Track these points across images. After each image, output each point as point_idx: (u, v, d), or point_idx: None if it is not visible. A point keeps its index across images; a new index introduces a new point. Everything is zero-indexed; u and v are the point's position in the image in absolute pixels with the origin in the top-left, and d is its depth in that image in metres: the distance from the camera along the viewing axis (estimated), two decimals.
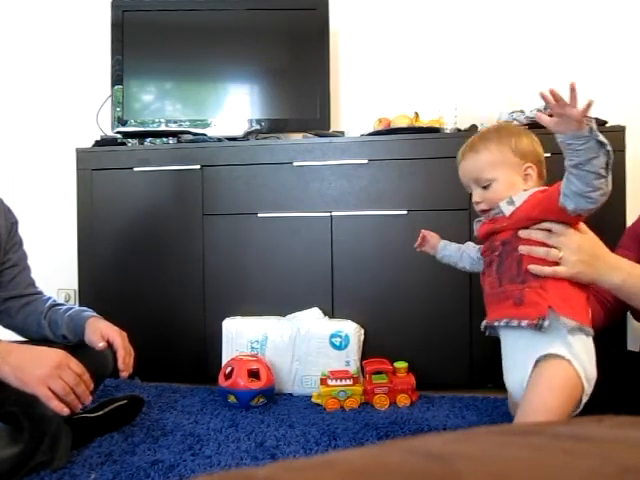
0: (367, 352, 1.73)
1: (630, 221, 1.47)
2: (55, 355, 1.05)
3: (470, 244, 1.30)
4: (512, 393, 1.11)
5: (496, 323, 1.06)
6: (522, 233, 1.02)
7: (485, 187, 1.11)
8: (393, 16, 2.19)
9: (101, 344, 1.25)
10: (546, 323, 0.97)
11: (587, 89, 2.14)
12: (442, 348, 1.74)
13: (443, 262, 1.32)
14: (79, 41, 2.33)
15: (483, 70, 2.12)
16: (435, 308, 1.73)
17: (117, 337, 1.27)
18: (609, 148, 0.92)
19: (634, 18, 2.07)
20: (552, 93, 0.99)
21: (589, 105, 0.94)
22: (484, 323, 1.11)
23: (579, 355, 0.98)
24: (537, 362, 0.99)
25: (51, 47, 2.35)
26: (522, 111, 1.73)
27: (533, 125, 1.68)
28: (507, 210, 1.06)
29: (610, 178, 0.94)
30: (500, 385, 1.61)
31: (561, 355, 0.97)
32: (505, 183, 1.08)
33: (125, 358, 1.26)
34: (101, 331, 1.27)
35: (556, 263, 1.00)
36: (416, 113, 1.89)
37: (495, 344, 1.69)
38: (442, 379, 1.73)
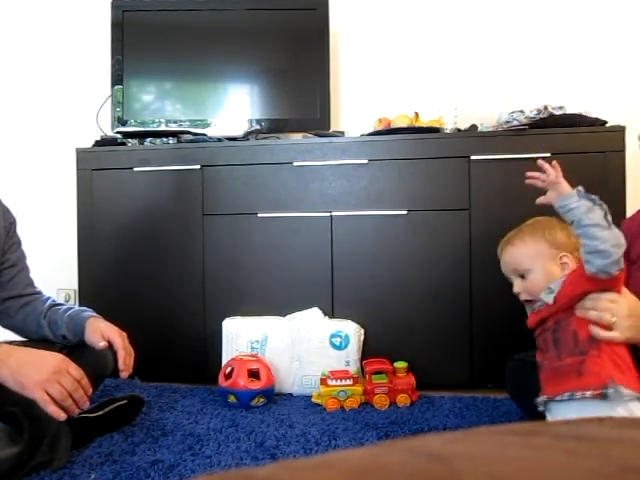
0: (367, 352, 1.73)
1: None
2: (54, 360, 1.05)
3: None
4: None
5: (558, 398, 1.06)
6: (579, 312, 1.06)
7: (523, 277, 1.18)
8: (393, 16, 2.19)
9: (101, 344, 1.25)
10: (610, 391, 0.98)
11: (587, 89, 2.15)
12: (442, 348, 1.74)
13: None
14: (79, 41, 2.33)
15: (483, 70, 2.12)
16: (435, 308, 1.73)
17: (117, 337, 1.27)
18: (600, 202, 1.01)
19: (634, 18, 2.07)
20: (530, 176, 1.14)
21: (556, 167, 1.11)
22: (543, 399, 1.09)
23: None
24: None
25: (51, 47, 2.35)
26: (522, 111, 1.73)
27: (533, 125, 1.69)
28: (549, 299, 1.10)
29: (615, 230, 1.00)
30: (500, 385, 1.61)
31: None
32: (542, 273, 1.15)
33: (125, 359, 1.26)
34: (101, 331, 1.27)
35: (608, 329, 1.04)
36: (416, 113, 1.89)
37: (495, 344, 1.69)
38: (442, 379, 1.73)
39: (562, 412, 1.06)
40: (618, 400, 0.99)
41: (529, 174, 1.15)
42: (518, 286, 1.19)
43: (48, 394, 1.01)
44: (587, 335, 1.04)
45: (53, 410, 1.02)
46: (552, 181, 1.10)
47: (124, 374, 1.25)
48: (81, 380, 1.07)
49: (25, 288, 1.37)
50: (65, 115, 2.34)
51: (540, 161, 1.13)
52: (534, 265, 1.16)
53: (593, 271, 1.01)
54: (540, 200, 1.13)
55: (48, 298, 1.39)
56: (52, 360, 1.05)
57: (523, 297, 1.19)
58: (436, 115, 1.87)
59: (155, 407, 1.57)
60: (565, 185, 1.08)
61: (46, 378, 1.02)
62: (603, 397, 0.98)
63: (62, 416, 1.03)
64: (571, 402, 1.04)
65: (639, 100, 2.04)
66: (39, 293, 1.41)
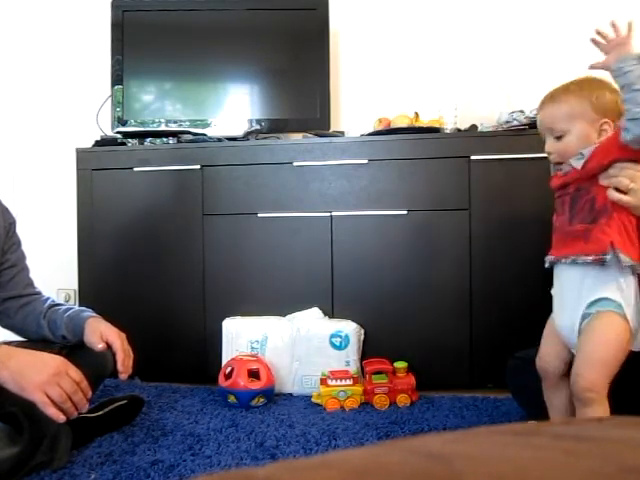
0: (367, 352, 1.73)
1: None
2: (54, 362, 1.05)
3: None
4: (560, 333, 1.14)
5: (563, 260, 1.10)
6: (602, 181, 1.04)
7: (558, 138, 1.12)
8: (393, 16, 2.19)
9: (100, 346, 1.25)
10: (608, 257, 1.01)
11: None
12: (442, 348, 1.74)
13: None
14: (79, 41, 2.33)
15: (483, 70, 2.12)
16: (435, 308, 1.73)
17: (116, 339, 1.27)
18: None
19: (633, 19, 2.06)
20: (599, 33, 1.10)
21: (630, 27, 1.08)
22: (550, 258, 1.13)
23: (630, 300, 1.04)
24: (590, 307, 1.04)
25: (51, 47, 2.35)
26: (522, 111, 1.73)
27: (533, 125, 1.69)
28: (578, 164, 1.08)
29: None
30: (500, 385, 1.61)
31: (613, 300, 1.02)
32: (579, 136, 1.09)
33: (124, 360, 1.25)
34: (100, 332, 1.27)
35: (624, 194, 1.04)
36: (416, 113, 1.89)
37: (495, 344, 1.69)
38: (442, 379, 1.73)
39: (565, 274, 1.11)
40: (617, 267, 1.02)
41: (598, 30, 1.09)
42: (551, 146, 1.13)
43: (48, 396, 1.01)
44: (603, 203, 1.05)
45: (52, 412, 1.02)
46: (619, 41, 1.05)
47: (123, 376, 1.25)
48: (80, 383, 1.07)
49: (25, 288, 1.37)
50: (65, 115, 2.34)
51: (612, 20, 1.08)
52: (572, 127, 1.09)
53: (629, 139, 0.98)
54: (594, 64, 1.08)
55: (48, 298, 1.39)
56: (52, 362, 1.05)
57: (553, 158, 1.15)
58: (436, 115, 1.87)
59: (155, 407, 1.57)
60: (630, 47, 1.04)
61: (46, 380, 1.02)
62: (602, 262, 1.02)
63: (61, 418, 1.03)
64: (574, 266, 1.08)
65: None
66: (39, 293, 1.41)
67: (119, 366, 1.25)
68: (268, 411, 1.54)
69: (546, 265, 1.15)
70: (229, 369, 1.62)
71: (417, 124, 1.84)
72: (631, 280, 1.05)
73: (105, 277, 1.88)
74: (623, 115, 1.01)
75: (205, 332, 1.82)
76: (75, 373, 1.07)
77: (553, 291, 1.17)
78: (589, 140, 1.08)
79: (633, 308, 1.04)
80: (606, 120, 1.08)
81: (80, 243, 1.88)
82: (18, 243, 1.39)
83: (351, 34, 2.21)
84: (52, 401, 1.02)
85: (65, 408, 1.04)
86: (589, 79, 1.15)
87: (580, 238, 1.07)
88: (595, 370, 1.01)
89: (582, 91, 1.11)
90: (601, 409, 1.00)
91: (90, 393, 1.10)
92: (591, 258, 1.03)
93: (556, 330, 1.15)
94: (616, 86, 1.07)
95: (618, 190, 1.03)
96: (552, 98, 1.15)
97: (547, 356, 1.17)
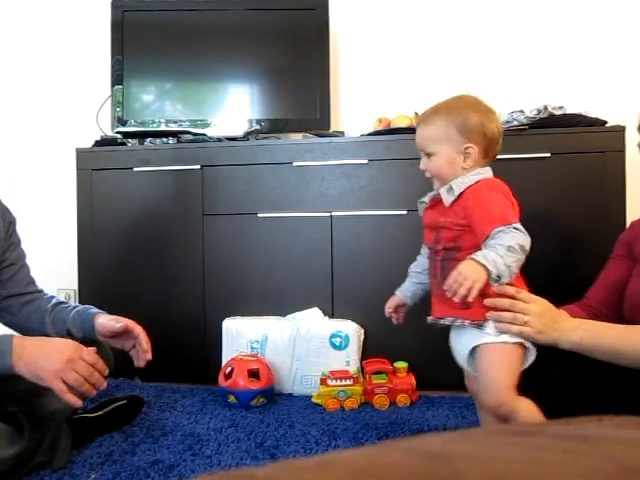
0: (367, 352, 1.73)
1: (629, 221, 1.47)
2: (67, 348, 1.07)
3: (419, 260, 1.32)
4: (463, 367, 1.18)
5: (441, 321, 1.15)
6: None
7: (429, 156, 1.14)
8: (393, 16, 2.19)
9: (119, 325, 1.26)
10: (486, 323, 1.06)
11: (587, 89, 2.15)
12: (442, 348, 1.73)
13: (418, 297, 1.33)
14: (79, 41, 2.33)
15: (483, 70, 2.12)
16: None
17: (135, 324, 1.29)
18: (490, 268, 0.97)
19: (634, 18, 2.07)
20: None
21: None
22: (430, 319, 1.18)
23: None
24: (475, 348, 1.08)
25: (51, 47, 2.35)
26: (522, 111, 1.73)
27: (533, 125, 1.69)
28: (447, 200, 1.10)
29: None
30: None
31: (492, 342, 1.06)
32: (444, 158, 1.11)
33: (148, 341, 1.28)
34: (117, 318, 1.29)
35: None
36: (416, 113, 1.89)
37: None
38: (442, 379, 1.73)
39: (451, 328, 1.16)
40: (490, 328, 1.06)
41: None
42: (423, 163, 1.16)
43: (65, 382, 1.03)
44: None
45: (70, 398, 1.04)
46: None
47: (148, 355, 1.26)
48: (95, 363, 1.09)
49: (26, 286, 1.37)
50: (65, 115, 2.34)
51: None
52: (439, 149, 1.10)
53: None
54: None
55: (52, 297, 1.39)
56: (65, 349, 1.07)
57: (427, 174, 1.17)
58: None
59: (155, 407, 1.57)
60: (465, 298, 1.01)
61: (61, 367, 1.03)
62: (478, 327, 1.06)
63: (79, 403, 1.06)
64: (454, 325, 1.13)
65: (639, 100, 2.04)
66: (41, 291, 1.41)
67: (144, 344, 1.26)
68: (268, 411, 1.54)
69: (428, 323, 1.18)
70: (229, 369, 1.62)
71: None
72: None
73: (105, 277, 1.88)
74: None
75: (205, 332, 1.82)
76: (89, 355, 1.09)
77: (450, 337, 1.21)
78: (455, 163, 1.10)
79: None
80: (470, 145, 1.09)
81: (80, 243, 1.87)
82: (18, 242, 1.39)
83: (351, 34, 2.21)
84: (70, 386, 1.04)
85: (83, 391, 1.06)
86: (459, 100, 1.15)
87: (455, 303, 1.07)
88: (496, 390, 1.03)
89: (449, 114, 1.11)
90: (521, 412, 1.02)
91: (107, 371, 1.12)
92: (468, 322, 1.07)
93: None
94: (486, 106, 1.11)
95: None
96: (423, 119, 1.16)
97: (467, 379, 1.22)
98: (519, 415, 1.02)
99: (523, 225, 1.56)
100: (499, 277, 0.99)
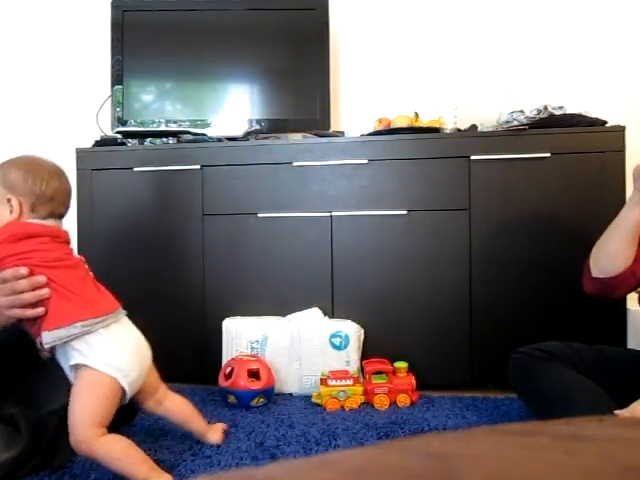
0: (367, 352, 1.73)
1: None
2: None
3: None
4: None
5: None
6: None
7: None
8: (393, 16, 2.19)
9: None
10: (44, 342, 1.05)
11: (587, 89, 2.15)
12: (442, 348, 1.74)
13: None
14: (79, 41, 2.33)
15: (483, 70, 2.12)
16: (435, 308, 1.73)
17: None
18: None
19: (634, 18, 2.07)
20: None
21: None
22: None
23: (101, 351, 1.07)
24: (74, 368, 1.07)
25: (51, 47, 2.35)
26: (522, 111, 1.73)
27: (533, 125, 1.69)
28: None
29: None
30: (500, 385, 1.61)
31: (81, 364, 1.06)
32: None
33: None
34: None
35: None
36: (416, 113, 1.89)
37: (495, 344, 1.69)
38: (442, 379, 1.73)
39: None
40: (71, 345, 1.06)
41: None
42: None
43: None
44: None
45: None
46: None
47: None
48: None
49: None
50: (65, 115, 2.34)
51: None
52: None
53: None
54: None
55: None
56: None
57: None
58: (436, 115, 1.87)
59: None
60: None
61: None
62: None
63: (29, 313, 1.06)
64: None
65: (639, 100, 2.04)
66: None
67: None
68: (268, 411, 1.54)
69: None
70: (229, 369, 1.62)
71: (417, 124, 1.84)
72: (95, 336, 1.07)
73: (105, 277, 1.87)
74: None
75: (205, 332, 1.82)
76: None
77: None
78: (3, 215, 1.12)
79: (108, 356, 1.07)
80: (11, 197, 1.13)
81: (80, 243, 1.87)
82: None
83: (351, 34, 2.21)
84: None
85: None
86: (11, 160, 1.26)
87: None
88: (79, 425, 1.03)
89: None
90: (101, 451, 1.03)
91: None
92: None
93: None
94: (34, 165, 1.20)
95: None
96: None
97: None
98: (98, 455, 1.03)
99: (521, 225, 1.57)
100: None
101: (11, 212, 1.12)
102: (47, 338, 1.04)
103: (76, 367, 1.07)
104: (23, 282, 1.05)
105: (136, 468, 1.04)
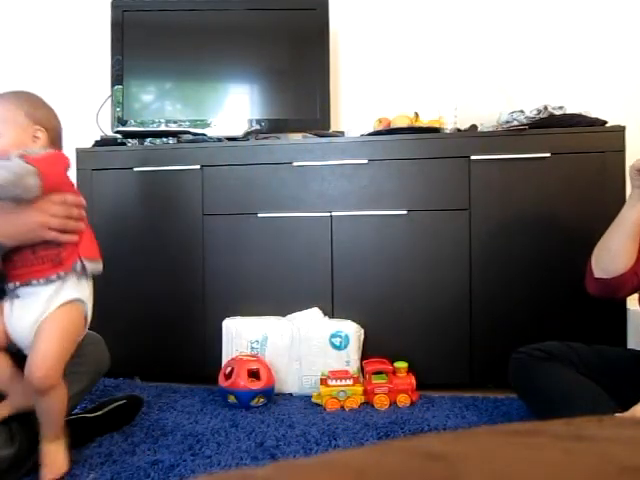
0: (367, 352, 1.73)
1: None
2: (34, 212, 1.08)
3: None
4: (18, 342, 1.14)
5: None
6: None
7: None
8: (393, 16, 2.19)
9: None
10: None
11: (587, 89, 2.15)
12: (442, 348, 1.74)
13: None
14: (79, 41, 2.33)
15: (483, 70, 2.12)
16: (435, 308, 1.73)
17: None
18: None
19: (634, 18, 2.07)
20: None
21: None
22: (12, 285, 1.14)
23: (90, 295, 1.20)
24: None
25: (51, 47, 2.35)
26: (522, 111, 1.73)
27: (533, 125, 1.69)
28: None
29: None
30: (500, 385, 1.61)
31: (78, 298, 1.14)
32: (11, 139, 1.15)
33: None
34: None
35: None
36: (416, 113, 1.89)
37: (495, 344, 1.69)
38: (442, 379, 1.73)
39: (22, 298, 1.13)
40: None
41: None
42: None
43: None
44: None
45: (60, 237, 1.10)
46: None
47: None
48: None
49: None
50: (65, 115, 2.32)
51: None
52: (4, 130, 1.16)
53: None
54: None
55: None
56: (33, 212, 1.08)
57: None
58: (436, 115, 1.87)
59: (155, 407, 1.57)
60: None
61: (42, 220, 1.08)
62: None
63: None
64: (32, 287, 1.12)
65: (639, 100, 2.04)
66: None
67: None
68: (268, 411, 1.54)
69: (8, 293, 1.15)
70: (229, 369, 1.62)
71: (417, 124, 1.84)
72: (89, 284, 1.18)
73: (105, 277, 1.87)
74: None
75: (205, 332, 1.82)
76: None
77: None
78: (25, 144, 1.15)
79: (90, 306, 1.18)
80: (39, 128, 1.18)
81: None
82: None
83: (351, 34, 2.21)
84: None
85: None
86: (26, 92, 1.31)
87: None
88: (57, 359, 1.06)
89: (18, 99, 1.24)
90: (60, 391, 1.06)
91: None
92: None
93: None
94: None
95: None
96: None
97: None
98: (57, 394, 1.06)
99: (521, 225, 1.58)
100: None
101: (35, 143, 1.17)
102: (90, 266, 1.18)
103: (67, 303, 1.11)
104: (76, 210, 1.15)
105: (62, 420, 1.09)
